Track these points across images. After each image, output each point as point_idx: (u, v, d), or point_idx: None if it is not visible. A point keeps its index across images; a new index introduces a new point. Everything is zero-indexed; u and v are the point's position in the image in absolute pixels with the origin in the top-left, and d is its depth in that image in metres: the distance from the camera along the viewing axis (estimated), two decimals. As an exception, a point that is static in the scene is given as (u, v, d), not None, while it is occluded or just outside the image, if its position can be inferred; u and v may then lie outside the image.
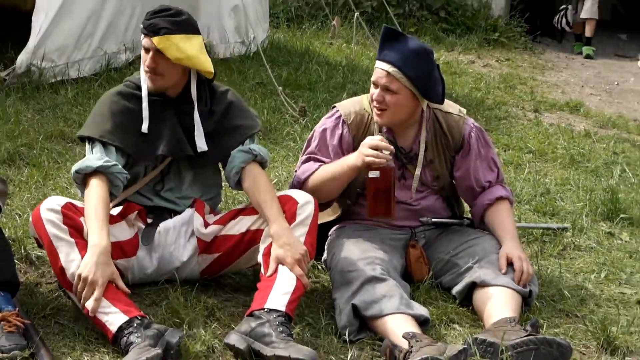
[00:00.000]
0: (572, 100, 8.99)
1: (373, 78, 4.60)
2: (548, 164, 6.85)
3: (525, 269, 4.42)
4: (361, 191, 4.70)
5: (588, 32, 9.89)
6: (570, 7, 9.92)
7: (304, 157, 4.82)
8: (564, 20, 9.84)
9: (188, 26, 4.42)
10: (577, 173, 6.64)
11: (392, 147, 4.42)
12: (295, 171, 4.80)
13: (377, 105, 4.59)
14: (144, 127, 4.45)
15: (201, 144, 4.49)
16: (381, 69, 4.55)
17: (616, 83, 9.78)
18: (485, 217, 4.79)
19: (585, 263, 5.11)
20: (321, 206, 4.61)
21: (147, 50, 4.40)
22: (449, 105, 4.87)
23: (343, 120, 4.77)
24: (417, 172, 4.71)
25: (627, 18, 14.14)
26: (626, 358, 4.16)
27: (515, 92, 9.12)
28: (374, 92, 4.59)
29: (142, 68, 4.49)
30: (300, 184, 4.67)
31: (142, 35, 4.44)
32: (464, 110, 4.86)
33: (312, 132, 4.90)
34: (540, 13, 12.26)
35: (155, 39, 4.33)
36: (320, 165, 4.65)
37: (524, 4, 12.20)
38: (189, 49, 4.36)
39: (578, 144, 7.40)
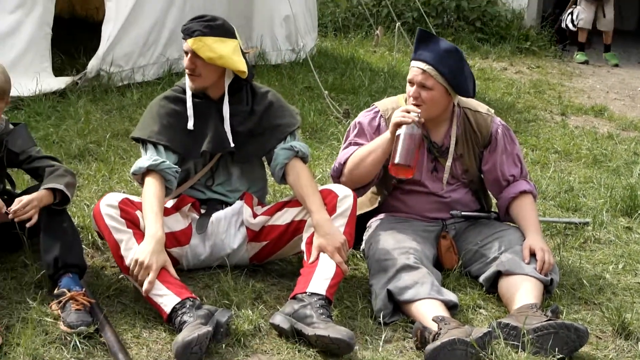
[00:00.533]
0: (597, 104, 8.94)
1: (409, 76, 4.62)
2: (572, 163, 6.83)
3: (546, 259, 4.42)
4: (397, 183, 4.74)
5: (581, 38, 9.83)
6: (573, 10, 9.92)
7: (344, 144, 4.86)
8: (568, 18, 9.80)
9: (222, 30, 4.45)
10: (599, 172, 6.62)
11: (419, 110, 4.43)
12: (345, 147, 4.82)
13: (414, 102, 4.59)
14: (190, 125, 4.50)
15: (230, 141, 4.53)
16: (417, 67, 4.58)
17: (639, 89, 9.71)
18: (510, 210, 4.79)
19: (604, 255, 5.11)
20: (360, 190, 4.67)
21: (186, 52, 4.46)
22: (478, 105, 4.89)
23: (381, 115, 4.80)
24: (448, 163, 4.72)
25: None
26: (639, 342, 4.18)
27: (544, 97, 9.08)
28: (410, 89, 4.61)
29: (186, 72, 4.55)
30: (341, 165, 4.70)
31: (184, 38, 4.49)
32: (492, 110, 4.88)
33: (351, 124, 4.94)
34: (567, 28, 12.19)
35: (190, 41, 4.39)
36: (358, 148, 4.70)
37: (555, 15, 12.14)
38: (221, 50, 4.39)
39: (601, 145, 7.37)
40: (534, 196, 4.85)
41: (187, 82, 4.53)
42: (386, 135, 4.51)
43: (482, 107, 4.88)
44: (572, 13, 9.76)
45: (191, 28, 4.40)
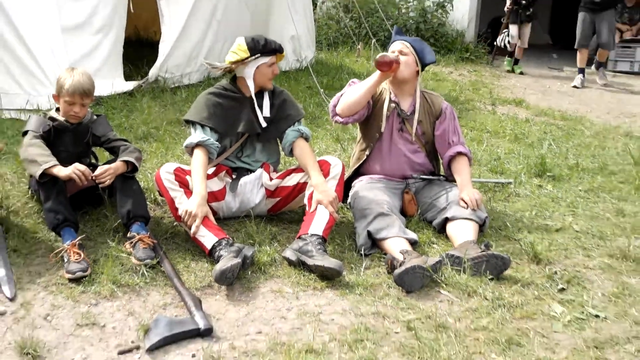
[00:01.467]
0: (517, 97, 8.95)
1: (393, 48, 4.74)
2: (499, 139, 6.84)
3: (477, 200, 4.52)
4: (379, 136, 4.75)
5: (517, 54, 9.89)
6: (507, 32, 9.92)
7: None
8: (506, 39, 9.78)
9: None
10: (519, 146, 6.63)
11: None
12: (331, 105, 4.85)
13: (395, 64, 4.56)
14: (234, 112, 4.54)
15: (262, 123, 4.55)
16: (399, 42, 4.75)
17: (548, 86, 9.73)
18: (450, 166, 4.83)
19: (522, 205, 5.12)
20: (350, 119, 4.71)
21: (270, 64, 4.51)
22: (432, 91, 4.98)
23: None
24: (415, 123, 4.76)
25: (554, 45, 14.09)
26: (547, 267, 4.19)
27: (479, 92, 9.09)
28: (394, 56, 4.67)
29: (250, 78, 4.52)
30: (337, 100, 4.71)
31: (259, 55, 4.45)
32: (441, 96, 4.98)
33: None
34: (496, 41, 12.21)
35: (281, 55, 4.55)
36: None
37: (485, 35, 12.14)
38: None
39: (520, 126, 7.38)
40: (469, 158, 4.86)
41: (252, 84, 4.52)
42: (375, 75, 4.53)
43: (435, 93, 4.97)
44: (506, 34, 9.74)
45: (279, 47, 4.51)
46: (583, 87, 8.55)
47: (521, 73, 9.63)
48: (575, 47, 8.93)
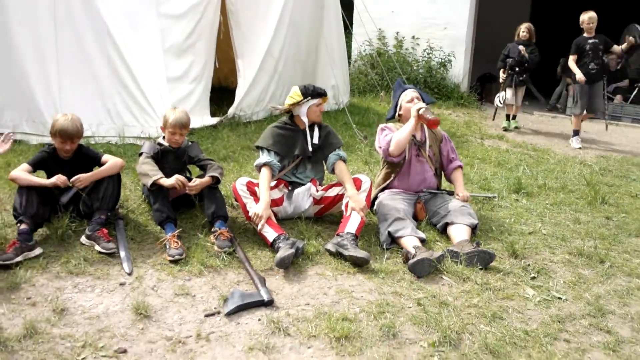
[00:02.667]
0: (500, 134, 8.79)
1: (410, 96, 4.68)
2: (486, 165, 6.73)
3: (466, 197, 4.66)
4: (404, 162, 4.67)
5: (513, 111, 9.18)
6: (503, 93, 9.52)
7: (379, 138, 4.71)
8: (499, 100, 9.43)
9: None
10: (501, 169, 6.51)
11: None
12: (379, 147, 4.69)
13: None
14: (291, 141, 4.52)
15: (310, 150, 4.52)
16: (412, 90, 4.74)
17: (522, 126, 9.57)
18: (452, 176, 4.87)
19: (504, 214, 5.03)
20: (395, 159, 4.60)
21: (317, 105, 4.48)
22: None
23: (386, 126, 4.76)
24: (427, 149, 4.75)
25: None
26: (522, 260, 4.12)
27: (471, 129, 8.97)
28: (413, 100, 4.66)
29: (304, 115, 4.50)
30: (388, 144, 4.56)
31: (310, 98, 4.45)
32: None
33: (378, 130, 4.81)
34: (484, 92, 12.09)
35: (324, 98, 4.52)
36: (393, 134, 4.62)
37: (475, 87, 12.02)
38: None
39: (502, 155, 7.23)
40: (462, 168, 4.95)
41: (315, 118, 4.52)
42: (410, 122, 4.47)
43: None
44: (500, 96, 9.43)
45: (322, 91, 4.50)
46: (582, 147, 8.03)
47: (516, 127, 9.26)
48: (575, 113, 8.17)
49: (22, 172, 4.06)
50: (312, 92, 4.45)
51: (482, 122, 9.74)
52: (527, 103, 12.39)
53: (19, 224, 3.92)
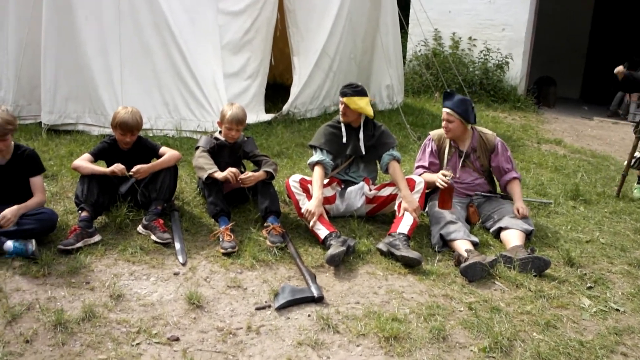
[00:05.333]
0: (557, 138, 8.58)
1: (442, 116, 4.58)
2: (543, 170, 6.58)
3: (525, 212, 4.41)
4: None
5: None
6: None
7: (416, 164, 4.79)
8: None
9: (361, 92, 4.40)
10: (558, 175, 6.36)
11: (451, 174, 4.37)
12: (415, 167, 4.77)
13: (445, 129, 4.57)
14: (344, 140, 4.50)
15: (362, 149, 4.50)
16: (444, 111, 4.55)
17: (581, 131, 9.31)
18: (506, 188, 4.68)
19: (559, 221, 4.91)
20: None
21: (341, 104, 4.44)
22: (487, 130, 4.78)
23: (431, 139, 4.75)
24: (474, 162, 4.67)
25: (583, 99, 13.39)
26: (578, 269, 4.01)
27: (527, 133, 8.78)
28: (443, 122, 4.58)
29: (340, 113, 4.51)
30: (421, 171, 4.65)
31: (340, 97, 4.45)
32: (495, 133, 4.79)
33: (422, 144, 4.87)
34: (541, 95, 11.79)
35: (344, 99, 4.38)
36: (423, 172, 4.62)
37: (533, 90, 11.74)
38: (360, 103, 4.37)
39: (559, 160, 7.06)
40: (519, 180, 4.73)
41: (341, 118, 4.49)
42: (434, 178, 4.40)
43: (489, 132, 4.76)
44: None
45: (345, 92, 4.39)
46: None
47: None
48: None
49: (84, 162, 4.20)
50: (341, 92, 4.44)
51: (539, 126, 9.52)
52: (587, 108, 12.05)
53: (80, 211, 4.05)
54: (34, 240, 3.69)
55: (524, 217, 4.38)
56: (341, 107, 4.44)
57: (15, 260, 3.64)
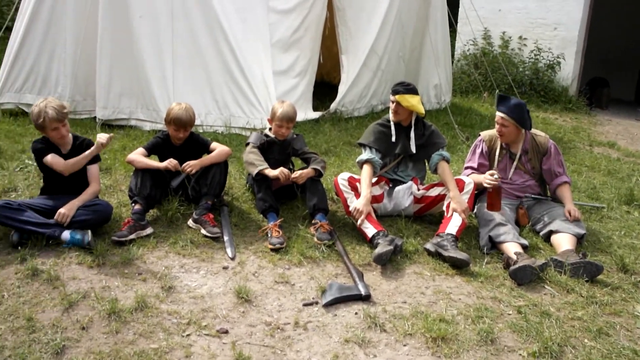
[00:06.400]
0: (610, 140, 8.34)
1: (496, 119, 4.51)
2: (595, 173, 6.41)
3: (577, 215, 4.30)
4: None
5: None
6: None
7: (466, 164, 4.75)
8: None
9: (412, 90, 4.37)
10: (611, 179, 6.18)
11: (498, 175, 4.31)
12: (464, 167, 4.74)
13: (499, 133, 4.51)
14: (393, 139, 4.49)
15: (412, 149, 4.47)
16: (498, 115, 4.48)
17: (635, 134, 9.04)
18: (556, 192, 4.58)
19: (613, 226, 4.77)
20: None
21: (392, 102, 4.41)
22: (540, 132, 4.69)
23: (482, 139, 4.69)
24: (525, 164, 4.61)
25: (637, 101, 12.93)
26: (632, 276, 3.89)
27: (579, 135, 8.56)
28: (497, 126, 4.51)
29: (390, 111, 4.50)
30: (469, 172, 4.61)
31: (391, 95, 4.44)
32: (547, 135, 4.71)
33: (473, 144, 4.82)
34: (593, 96, 11.49)
35: (396, 96, 4.36)
36: (471, 173, 4.58)
37: (585, 91, 11.45)
38: (412, 101, 4.35)
39: (613, 164, 6.86)
40: (570, 184, 4.64)
41: (392, 116, 4.47)
42: (481, 179, 4.35)
43: (541, 134, 4.68)
44: None
45: (397, 90, 4.37)
46: None
47: None
48: None
49: (138, 156, 4.30)
50: (393, 90, 4.41)
51: (591, 128, 9.28)
52: (640, 110, 11.70)
53: (133, 204, 4.16)
54: (89, 231, 3.81)
55: (575, 220, 4.28)
56: (392, 105, 4.41)
57: (72, 250, 3.76)
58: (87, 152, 4.02)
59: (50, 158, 3.98)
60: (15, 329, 2.96)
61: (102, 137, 3.96)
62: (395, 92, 4.38)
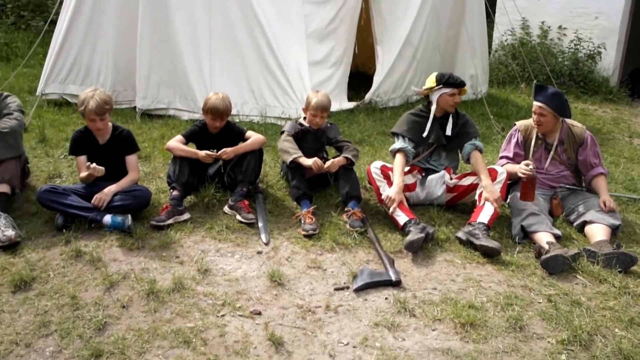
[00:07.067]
0: (651, 133, 8.18)
1: (533, 109, 4.48)
2: (634, 164, 6.28)
3: (612, 206, 4.25)
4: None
5: None
6: None
7: (501, 154, 4.74)
8: None
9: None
10: (650, 171, 6.11)
11: (534, 165, 4.27)
12: (499, 157, 4.74)
13: (536, 123, 4.47)
14: (427, 128, 4.50)
15: (446, 139, 4.50)
16: (536, 105, 4.44)
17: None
18: (592, 183, 4.53)
19: (650, 217, 4.73)
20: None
21: (453, 94, 4.43)
22: (577, 123, 4.64)
23: (517, 129, 4.66)
24: (561, 155, 4.57)
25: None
26: (668, 268, 3.86)
27: (619, 127, 8.38)
28: (534, 116, 4.48)
29: (434, 103, 4.48)
30: (504, 162, 4.60)
31: (442, 86, 4.41)
32: (584, 126, 4.65)
33: (508, 134, 4.80)
34: (635, 87, 11.22)
35: (462, 89, 4.49)
36: (506, 163, 4.57)
37: (626, 82, 11.19)
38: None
39: (652, 156, 6.77)
40: (606, 176, 4.58)
41: (449, 108, 4.49)
42: (515, 169, 4.33)
43: (578, 124, 4.63)
44: None
45: (461, 82, 4.47)
46: None
47: None
48: None
49: (176, 144, 4.43)
50: (446, 81, 4.41)
51: (632, 120, 9.07)
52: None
53: (171, 190, 4.29)
54: (129, 216, 3.96)
55: (610, 211, 4.24)
56: (452, 97, 4.44)
57: (113, 233, 3.91)
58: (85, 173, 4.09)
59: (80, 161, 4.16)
60: (60, 306, 3.12)
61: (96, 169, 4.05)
62: (461, 83, 4.45)
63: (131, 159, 4.30)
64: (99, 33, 7.09)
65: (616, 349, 2.95)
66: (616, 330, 3.12)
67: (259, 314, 3.15)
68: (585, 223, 4.23)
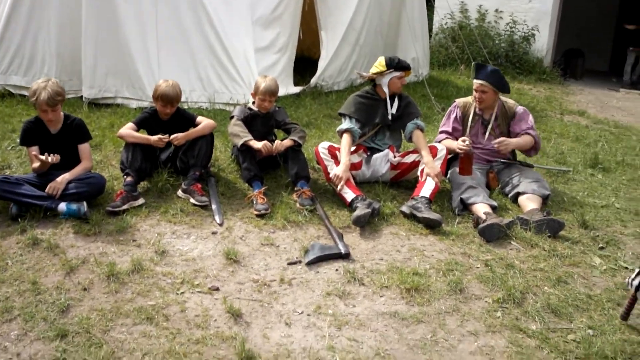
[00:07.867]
0: (580, 109, 8.59)
1: (474, 87, 4.73)
2: (564, 139, 6.68)
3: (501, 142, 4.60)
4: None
5: None
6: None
7: (440, 128, 4.96)
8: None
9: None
10: (579, 145, 6.47)
11: (469, 140, 4.51)
12: (439, 132, 4.97)
13: (478, 100, 4.71)
14: (372, 109, 4.67)
15: (390, 119, 4.68)
16: (477, 82, 4.70)
17: (606, 102, 9.31)
18: (518, 136, 4.76)
19: (577, 187, 5.06)
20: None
21: (401, 77, 4.64)
22: (509, 100, 4.91)
23: (456, 105, 4.90)
24: (495, 129, 4.81)
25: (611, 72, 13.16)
26: (592, 231, 4.19)
27: (551, 104, 8.82)
28: (476, 94, 4.72)
29: (385, 86, 4.65)
30: (442, 137, 4.85)
31: (392, 70, 4.59)
32: (516, 103, 4.91)
33: (448, 110, 5.03)
34: (568, 67, 11.78)
35: (409, 71, 4.68)
36: (444, 139, 4.80)
37: (559, 62, 11.72)
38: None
39: (581, 131, 7.14)
40: (537, 142, 4.79)
41: (395, 89, 4.67)
42: (454, 145, 4.58)
43: (510, 101, 4.90)
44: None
45: (407, 65, 4.66)
46: None
47: None
48: None
49: (128, 131, 4.49)
50: (396, 65, 4.59)
51: (564, 98, 9.56)
52: (615, 80, 11.98)
53: (125, 177, 4.36)
54: (85, 203, 4.02)
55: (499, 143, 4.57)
56: (400, 80, 4.64)
57: (69, 220, 3.97)
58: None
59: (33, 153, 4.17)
60: (21, 292, 3.18)
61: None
62: (408, 67, 4.65)
63: (84, 148, 4.34)
64: (42, 23, 6.97)
65: (545, 304, 3.24)
66: (545, 288, 3.41)
67: (217, 289, 3.29)
68: (518, 194, 4.52)
